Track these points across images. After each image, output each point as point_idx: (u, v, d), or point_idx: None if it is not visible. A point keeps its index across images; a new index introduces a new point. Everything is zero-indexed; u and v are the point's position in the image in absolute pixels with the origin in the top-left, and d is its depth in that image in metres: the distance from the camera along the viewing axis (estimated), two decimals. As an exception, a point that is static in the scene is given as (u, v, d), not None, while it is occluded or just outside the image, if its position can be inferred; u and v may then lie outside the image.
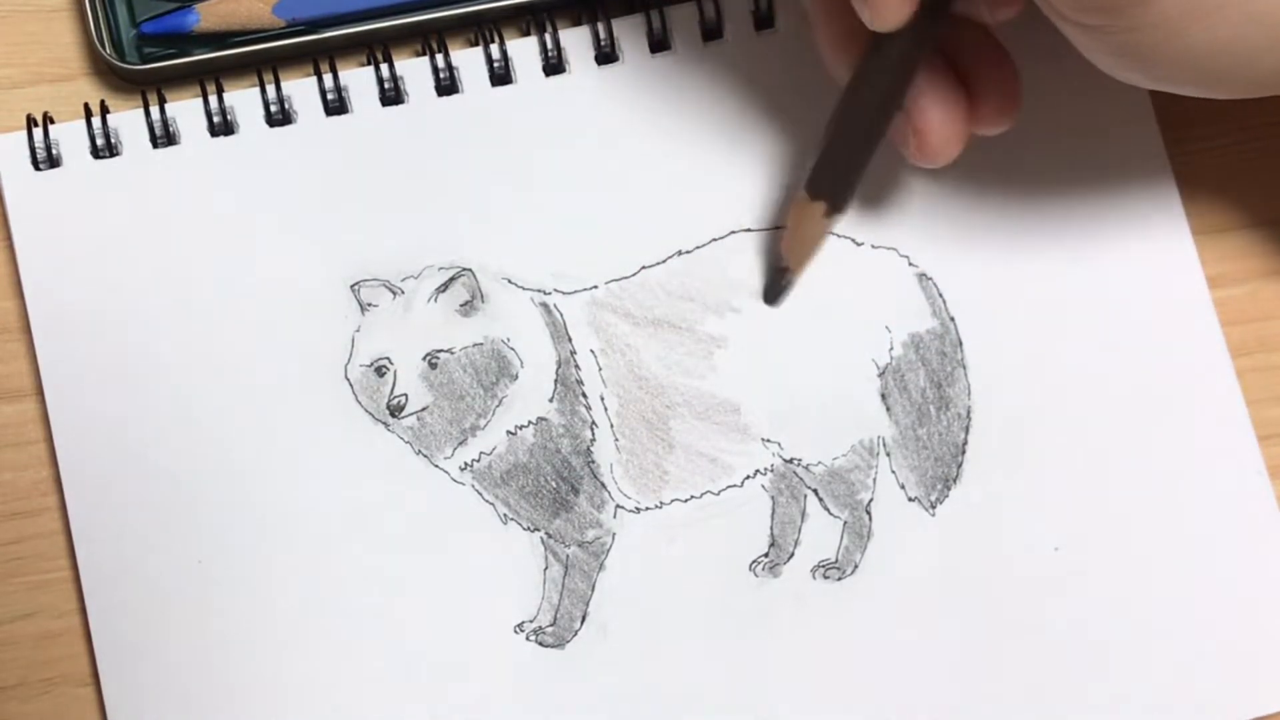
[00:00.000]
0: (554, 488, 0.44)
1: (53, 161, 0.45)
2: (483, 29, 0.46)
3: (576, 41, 0.46)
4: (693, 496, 0.44)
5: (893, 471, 0.44)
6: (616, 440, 0.44)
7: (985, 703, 0.43)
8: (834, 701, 0.43)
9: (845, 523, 0.44)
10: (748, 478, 0.44)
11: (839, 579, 0.44)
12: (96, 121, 0.45)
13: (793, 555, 0.44)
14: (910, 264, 0.45)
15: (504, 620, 0.43)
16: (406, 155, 0.45)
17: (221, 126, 0.45)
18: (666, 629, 0.43)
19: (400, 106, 0.46)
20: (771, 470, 0.44)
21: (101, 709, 0.42)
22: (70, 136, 0.45)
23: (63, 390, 0.44)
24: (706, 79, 0.46)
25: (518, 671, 0.43)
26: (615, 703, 0.43)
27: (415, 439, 0.44)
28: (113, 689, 0.42)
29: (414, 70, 0.46)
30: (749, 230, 0.45)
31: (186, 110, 0.45)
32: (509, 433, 0.44)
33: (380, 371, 0.44)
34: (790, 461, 0.44)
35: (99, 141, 0.45)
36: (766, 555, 0.44)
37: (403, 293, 0.44)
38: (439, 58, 0.46)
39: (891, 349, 0.45)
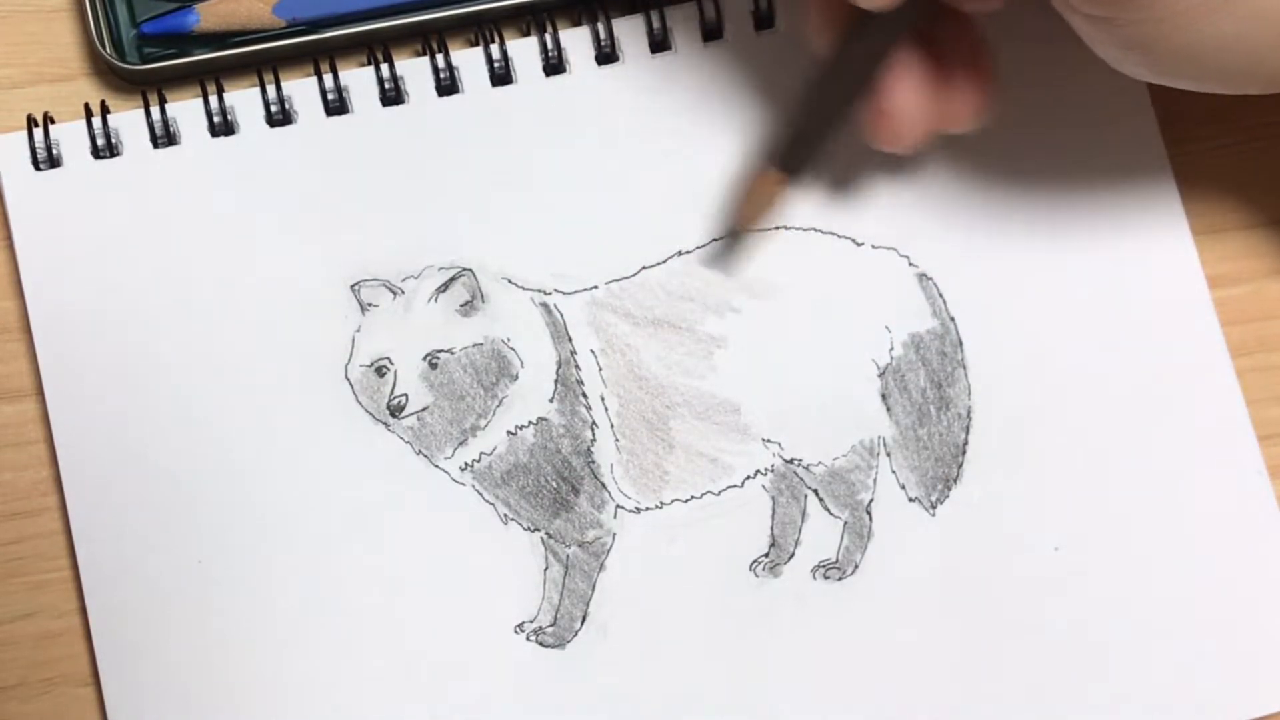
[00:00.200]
0: (554, 488, 0.44)
1: (53, 161, 0.45)
2: (483, 29, 0.46)
3: (576, 41, 0.46)
4: (693, 497, 0.44)
5: (893, 472, 0.44)
6: (617, 440, 0.44)
7: (985, 703, 0.43)
8: (834, 701, 0.43)
9: (845, 523, 0.44)
10: (748, 478, 0.44)
11: (839, 579, 0.44)
12: (97, 121, 0.45)
13: (793, 555, 0.44)
14: (910, 264, 0.45)
15: (504, 620, 0.43)
16: (407, 155, 0.45)
17: (222, 126, 0.45)
18: (667, 629, 0.43)
19: (400, 106, 0.46)
20: (772, 470, 0.44)
21: (101, 709, 0.42)
22: (70, 136, 0.45)
23: (63, 390, 0.44)
24: (706, 79, 0.46)
25: (518, 671, 0.43)
26: (615, 703, 0.43)
27: (415, 439, 0.44)
28: (113, 689, 0.42)
29: (414, 70, 0.46)
30: (749, 230, 0.45)
31: (187, 110, 0.45)
32: (509, 433, 0.44)
33: (380, 371, 0.44)
34: (790, 462, 0.44)
35: (99, 141, 0.45)
36: (767, 555, 0.44)
37: (403, 293, 0.44)
38: (439, 58, 0.46)
39: (892, 349, 0.45)
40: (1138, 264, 0.46)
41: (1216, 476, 0.45)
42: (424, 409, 0.44)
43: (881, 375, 0.45)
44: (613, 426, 0.44)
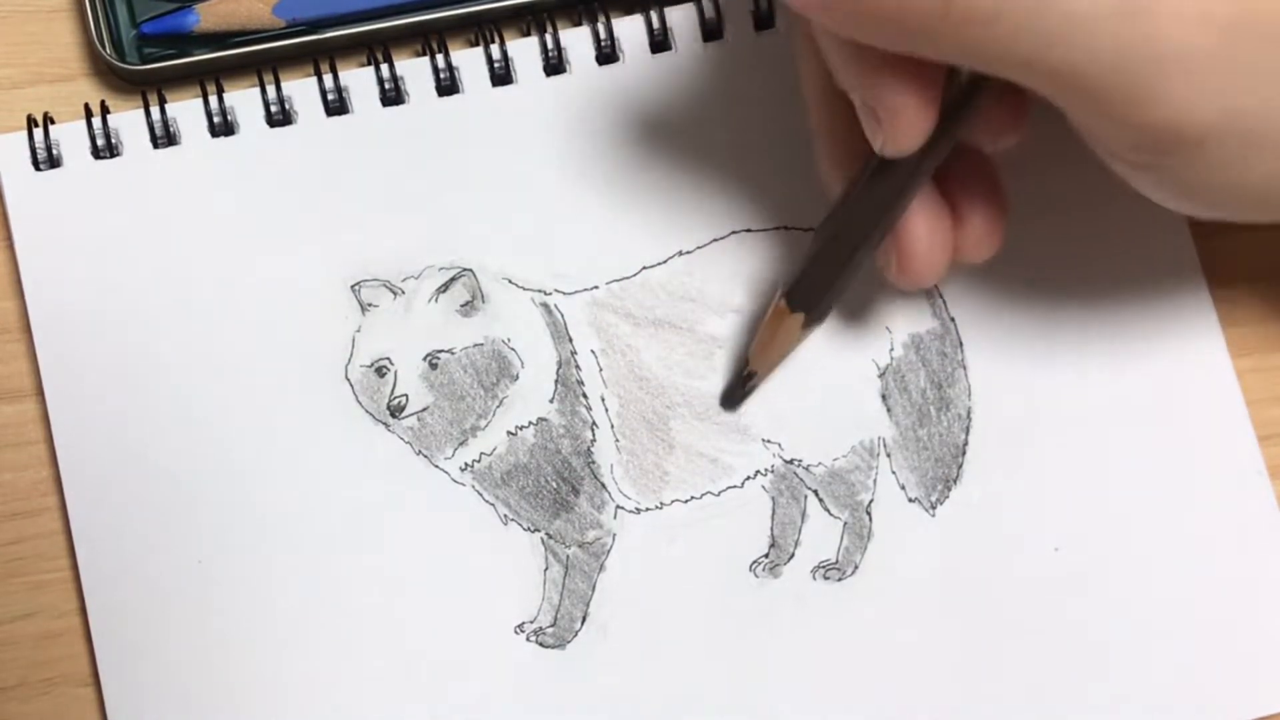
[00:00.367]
0: (554, 488, 0.44)
1: (53, 162, 0.45)
2: (483, 29, 0.46)
3: (577, 41, 0.46)
4: (693, 497, 0.44)
5: (893, 472, 0.44)
6: (617, 441, 0.44)
7: (985, 703, 0.43)
8: (834, 701, 0.43)
9: (845, 523, 0.44)
10: (748, 478, 0.44)
11: (839, 579, 0.44)
12: (97, 122, 0.45)
13: (793, 556, 0.44)
14: (910, 264, 0.45)
15: (504, 621, 0.43)
16: (407, 155, 0.45)
17: (222, 127, 0.45)
18: (667, 629, 0.43)
19: (401, 107, 0.46)
20: (772, 471, 0.44)
21: (101, 709, 0.42)
22: (70, 137, 0.45)
23: (63, 390, 0.44)
24: (706, 79, 0.46)
25: (518, 672, 0.43)
26: (615, 703, 0.43)
27: (416, 439, 0.44)
28: (113, 689, 0.42)
29: (414, 70, 0.46)
30: (749, 230, 0.45)
31: (187, 110, 0.45)
32: (509, 433, 0.44)
33: (381, 372, 0.44)
34: (790, 462, 0.44)
35: (99, 142, 0.45)
36: (767, 556, 0.44)
37: (403, 293, 0.44)
38: (439, 58, 0.46)
39: (892, 350, 0.45)
40: (1138, 264, 0.46)
41: (1216, 476, 0.45)
42: (424, 409, 0.44)
43: (881, 376, 0.45)
44: (613, 427, 0.44)
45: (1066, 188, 0.46)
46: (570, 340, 0.44)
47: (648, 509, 0.44)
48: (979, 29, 0.33)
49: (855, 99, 0.37)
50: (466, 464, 0.44)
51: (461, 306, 0.44)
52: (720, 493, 0.44)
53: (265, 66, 0.46)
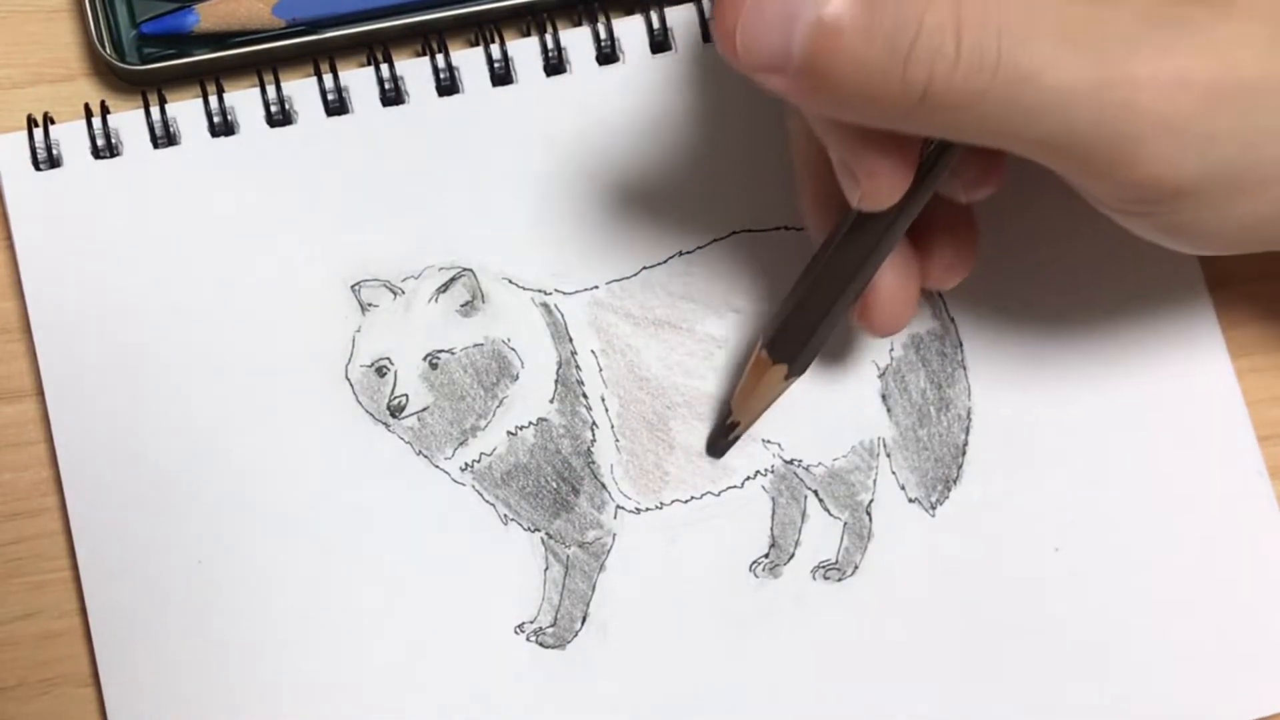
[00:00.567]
0: (554, 488, 0.44)
1: (53, 162, 0.45)
2: (483, 29, 0.46)
3: (577, 42, 0.46)
4: (693, 497, 0.44)
5: (893, 472, 0.44)
6: (617, 441, 0.44)
7: (985, 702, 0.43)
8: (834, 701, 0.43)
9: (845, 524, 0.44)
10: (748, 479, 0.44)
11: (839, 580, 0.44)
12: (97, 122, 0.45)
13: (793, 556, 0.44)
14: (910, 264, 0.45)
15: (504, 621, 0.43)
16: (407, 155, 0.45)
17: (222, 127, 0.45)
18: (667, 629, 0.43)
19: (401, 107, 0.46)
20: (772, 471, 0.44)
21: (101, 709, 0.42)
22: (70, 137, 0.45)
23: (63, 390, 0.44)
24: (707, 79, 0.46)
25: (518, 672, 0.43)
26: (616, 703, 0.43)
27: (416, 439, 0.44)
28: (113, 689, 0.42)
29: (414, 70, 0.46)
30: (749, 230, 0.45)
31: (187, 110, 0.45)
32: (509, 433, 0.44)
33: (381, 372, 0.44)
34: (790, 462, 0.44)
35: (99, 142, 0.45)
36: (767, 556, 0.44)
37: (403, 293, 0.44)
38: (439, 58, 0.46)
39: (892, 350, 0.45)
40: (1138, 265, 0.46)
41: (1216, 476, 0.45)
42: (424, 409, 0.44)
43: (881, 376, 0.45)
44: (613, 427, 0.44)
45: (1065, 188, 0.46)
46: (570, 340, 0.44)
47: (648, 509, 0.44)
48: (957, 113, 0.32)
49: (832, 155, 0.37)
50: (466, 464, 0.44)
51: (461, 306, 0.44)
52: (720, 493, 0.44)
53: (265, 66, 0.46)
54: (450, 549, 0.43)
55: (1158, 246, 0.43)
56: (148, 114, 0.45)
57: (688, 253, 0.45)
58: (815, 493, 0.44)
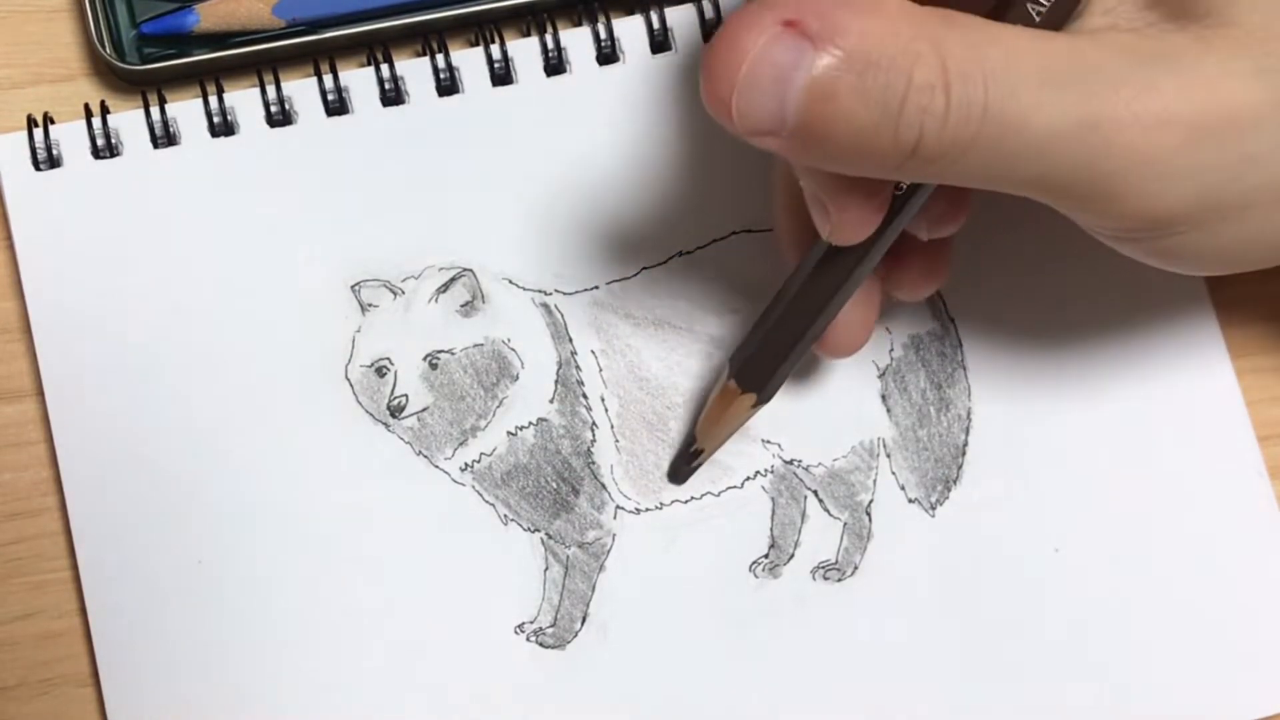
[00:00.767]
0: (554, 489, 0.44)
1: (53, 162, 0.45)
2: (483, 29, 0.46)
3: (577, 42, 0.46)
4: (693, 498, 0.44)
5: (893, 473, 0.44)
6: (617, 441, 0.44)
7: (985, 703, 0.43)
8: (834, 701, 0.43)
9: (845, 524, 0.44)
10: (748, 479, 0.44)
11: (839, 580, 0.44)
12: (97, 122, 0.45)
13: (793, 556, 0.44)
14: (910, 265, 0.45)
15: (504, 621, 0.43)
16: (407, 155, 0.45)
17: (222, 127, 0.45)
18: (667, 630, 0.43)
19: (401, 107, 0.46)
20: (771, 471, 0.44)
21: (101, 709, 0.42)
22: (70, 137, 0.45)
23: (63, 390, 0.44)
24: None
25: (518, 672, 0.43)
26: (615, 703, 0.43)
27: (416, 439, 0.44)
28: (113, 689, 0.42)
29: (414, 70, 0.46)
30: (750, 231, 0.45)
31: (187, 110, 0.45)
32: (509, 433, 0.44)
33: (381, 372, 0.44)
34: (790, 463, 0.44)
35: (99, 142, 0.45)
36: (766, 556, 0.44)
37: (403, 293, 0.44)
38: (439, 58, 0.46)
39: (892, 350, 0.45)
40: (1137, 265, 0.46)
41: (1216, 477, 0.45)
42: (424, 409, 0.44)
43: (881, 376, 0.45)
44: (613, 427, 0.44)
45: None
46: (570, 340, 0.44)
47: (648, 509, 0.44)
48: (946, 163, 0.33)
49: (806, 189, 0.37)
50: (466, 464, 0.44)
51: (461, 306, 0.44)
52: (720, 493, 0.44)
53: (265, 66, 0.46)
54: (450, 549, 0.43)
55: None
56: (148, 114, 0.45)
57: (688, 253, 0.45)
58: (815, 493, 0.44)
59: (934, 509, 0.44)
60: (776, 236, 0.43)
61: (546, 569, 0.43)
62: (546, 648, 0.43)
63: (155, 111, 0.45)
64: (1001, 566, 0.44)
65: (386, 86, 0.46)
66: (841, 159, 0.33)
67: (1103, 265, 0.45)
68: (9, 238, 0.44)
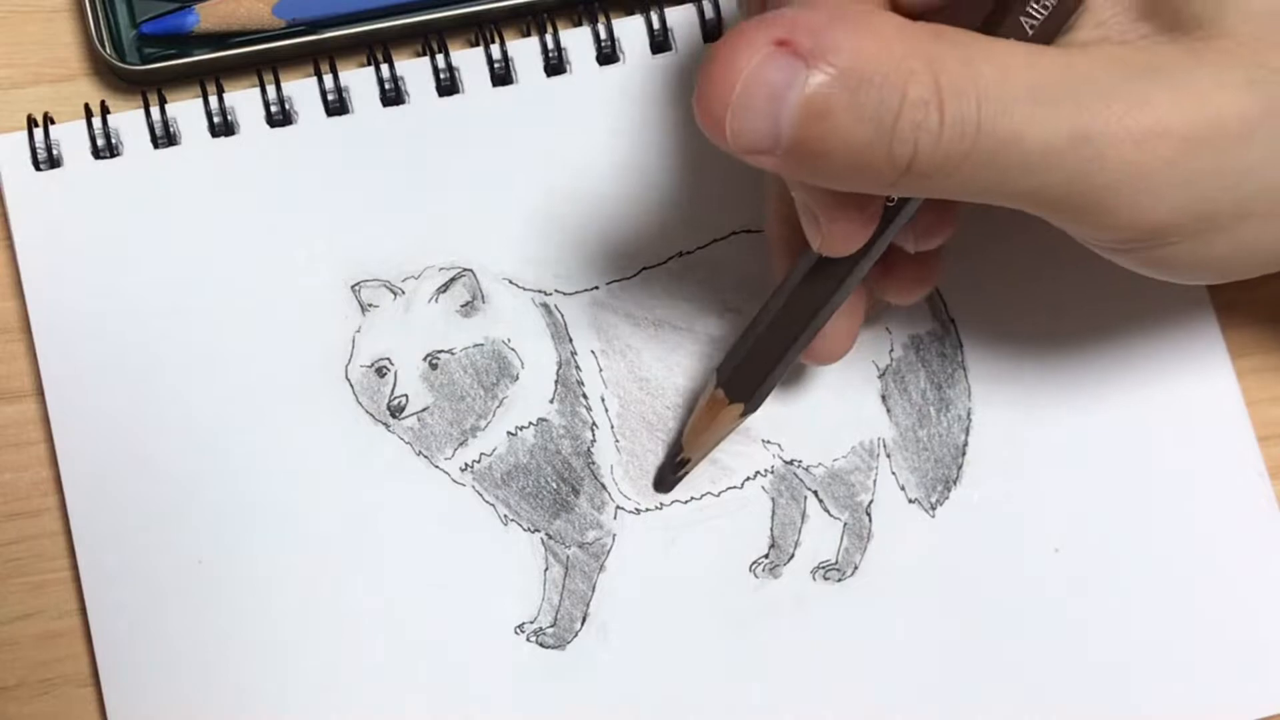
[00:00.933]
0: (554, 489, 0.44)
1: (53, 162, 0.45)
2: (483, 29, 0.46)
3: (577, 42, 0.46)
4: (693, 498, 0.44)
5: (893, 473, 0.44)
6: (617, 441, 0.44)
7: (985, 703, 0.43)
8: (834, 702, 0.43)
9: (845, 524, 0.44)
10: (748, 479, 0.44)
11: (839, 580, 0.44)
12: (97, 122, 0.45)
13: (793, 556, 0.44)
14: (911, 265, 0.45)
15: (504, 621, 0.43)
16: (407, 155, 0.45)
17: (222, 127, 0.45)
18: (667, 630, 0.43)
19: (401, 107, 0.46)
20: (771, 472, 0.44)
21: (101, 709, 0.42)
22: (71, 137, 0.45)
23: (63, 390, 0.44)
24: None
25: (518, 672, 0.43)
26: (616, 703, 0.43)
27: (416, 440, 0.44)
28: (113, 689, 0.42)
29: (414, 70, 0.46)
30: (750, 231, 0.45)
31: (187, 110, 0.45)
32: (509, 434, 0.44)
33: (381, 372, 0.44)
34: (790, 463, 0.44)
35: (99, 142, 0.45)
36: (766, 556, 0.44)
37: (403, 293, 0.44)
38: (439, 58, 0.46)
39: (892, 350, 0.45)
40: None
41: (1216, 477, 0.45)
42: (424, 409, 0.44)
43: (881, 376, 0.45)
44: (613, 427, 0.44)
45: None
46: (570, 340, 0.44)
47: (648, 509, 0.44)
48: (940, 179, 0.33)
49: (798, 200, 0.37)
50: (466, 464, 0.44)
51: (462, 307, 0.44)
52: (720, 493, 0.44)
53: (265, 66, 0.46)
54: (450, 549, 0.43)
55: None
56: (148, 114, 0.45)
57: (688, 253, 0.45)
58: (815, 493, 0.44)
59: (934, 509, 0.44)
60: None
61: (546, 569, 0.43)
62: (546, 648, 0.43)
63: (155, 111, 0.45)
64: (1001, 566, 0.44)
65: (386, 86, 0.46)
66: (836, 176, 0.33)
67: (1103, 265, 0.45)
68: (9, 238, 0.45)
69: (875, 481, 0.44)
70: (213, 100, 0.45)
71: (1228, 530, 0.45)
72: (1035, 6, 0.34)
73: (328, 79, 0.46)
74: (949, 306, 0.45)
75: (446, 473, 0.44)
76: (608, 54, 0.46)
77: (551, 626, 0.43)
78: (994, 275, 0.45)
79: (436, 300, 0.44)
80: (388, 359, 0.44)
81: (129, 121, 0.45)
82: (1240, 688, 0.44)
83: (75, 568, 0.43)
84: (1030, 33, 0.34)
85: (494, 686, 0.43)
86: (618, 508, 0.44)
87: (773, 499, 0.44)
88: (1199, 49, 0.33)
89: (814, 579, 0.44)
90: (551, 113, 0.46)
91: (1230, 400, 0.45)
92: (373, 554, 0.43)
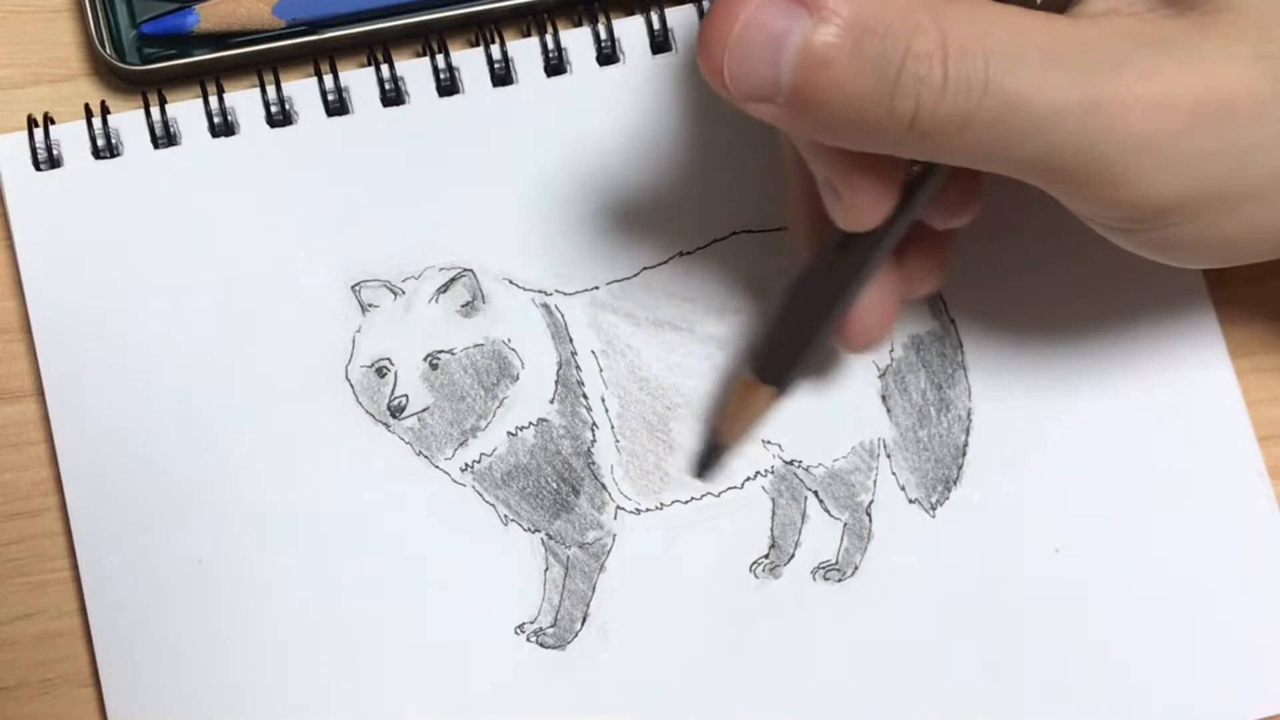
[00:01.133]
0: (554, 489, 0.44)
1: (53, 162, 0.45)
2: (483, 29, 0.46)
3: (577, 42, 0.46)
4: (693, 498, 0.44)
5: (893, 473, 0.44)
6: (617, 441, 0.44)
7: (985, 703, 0.43)
8: (834, 702, 0.43)
9: (845, 524, 0.44)
10: (748, 479, 0.44)
11: (839, 580, 0.44)
12: (97, 122, 0.45)
13: (793, 557, 0.44)
14: (911, 265, 0.45)
15: (504, 621, 0.43)
16: (407, 156, 0.45)
17: (222, 127, 0.45)
18: (667, 630, 0.43)
19: (401, 107, 0.46)
20: (772, 472, 0.44)
21: (101, 709, 0.42)
22: (71, 137, 0.45)
23: (63, 390, 0.44)
24: (707, 79, 0.46)
25: (518, 672, 0.43)
26: (616, 703, 0.43)
27: (416, 440, 0.44)
28: (113, 689, 0.42)
29: (415, 71, 0.46)
30: (750, 231, 0.45)
31: (187, 111, 0.45)
32: (510, 434, 0.44)
33: (381, 372, 0.44)
34: (790, 463, 0.44)
35: (99, 142, 0.45)
36: (767, 557, 0.44)
37: (404, 293, 0.44)
38: (440, 58, 0.46)
39: (892, 351, 0.45)
40: (1137, 265, 0.45)
41: (1216, 477, 0.45)
42: (424, 410, 0.44)
43: (882, 377, 0.45)
44: (613, 427, 0.44)
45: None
46: (570, 341, 0.44)
47: (648, 510, 0.44)
48: (944, 137, 0.32)
49: (817, 174, 0.37)
50: (467, 464, 0.44)
51: (462, 307, 0.44)
52: (720, 494, 0.44)
53: (265, 66, 0.46)
54: (450, 549, 0.43)
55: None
56: (148, 114, 0.45)
57: (688, 253, 0.45)
58: (815, 493, 0.44)
59: (934, 509, 0.44)
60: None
61: (547, 569, 0.43)
62: (547, 648, 0.43)
63: (155, 111, 0.45)
64: (1001, 566, 0.44)
65: (386, 86, 0.46)
66: (837, 129, 0.33)
67: (1103, 266, 0.46)
68: (9, 238, 0.44)
69: (875, 482, 0.44)
70: (213, 100, 0.45)
71: (1228, 530, 0.45)
72: None
73: (328, 79, 0.46)
74: (949, 307, 0.45)
75: (447, 473, 0.44)
76: (608, 54, 0.46)
77: (552, 627, 0.43)
78: (994, 276, 0.45)
79: (437, 300, 0.44)
80: (388, 359, 0.44)
81: (129, 121, 0.45)
82: (1240, 688, 0.44)
83: (75, 568, 0.43)
84: (1040, 2, 0.34)
85: (494, 686, 0.43)
86: (618, 508, 0.44)
87: (773, 499, 0.44)
88: (1206, 23, 0.33)
89: (814, 579, 0.44)
90: (551, 113, 0.46)
91: (1230, 400, 0.45)
92: (373, 554, 0.43)
